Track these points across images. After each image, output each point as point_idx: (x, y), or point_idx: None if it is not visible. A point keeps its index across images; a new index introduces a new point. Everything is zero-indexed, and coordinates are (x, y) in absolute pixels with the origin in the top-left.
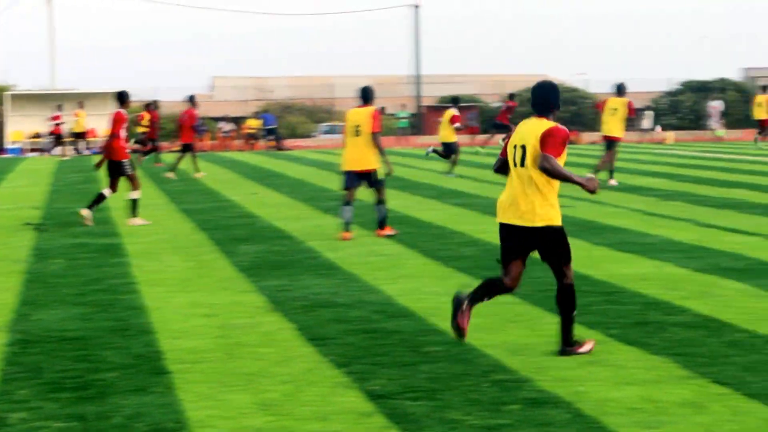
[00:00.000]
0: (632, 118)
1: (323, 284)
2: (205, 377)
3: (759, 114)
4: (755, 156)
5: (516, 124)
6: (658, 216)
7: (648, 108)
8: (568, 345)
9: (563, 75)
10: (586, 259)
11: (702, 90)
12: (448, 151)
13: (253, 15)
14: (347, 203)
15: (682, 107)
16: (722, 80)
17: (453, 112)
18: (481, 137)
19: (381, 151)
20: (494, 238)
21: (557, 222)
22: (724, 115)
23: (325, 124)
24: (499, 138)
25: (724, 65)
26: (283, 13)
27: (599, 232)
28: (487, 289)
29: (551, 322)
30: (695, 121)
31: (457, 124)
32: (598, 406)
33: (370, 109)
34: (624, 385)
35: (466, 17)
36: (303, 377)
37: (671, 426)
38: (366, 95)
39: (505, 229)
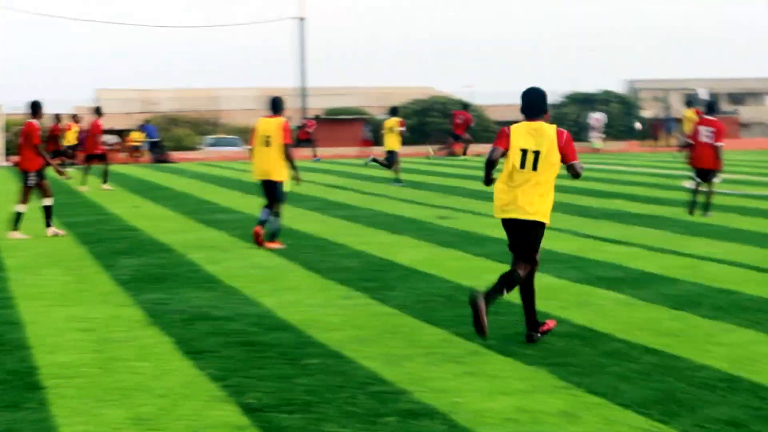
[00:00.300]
0: None
1: (203, 297)
2: (79, 392)
3: (687, 128)
4: (635, 167)
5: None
6: None
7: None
8: (536, 329)
9: (450, 87)
10: (467, 270)
11: (586, 102)
12: (391, 159)
13: (138, 27)
14: (268, 206)
15: (567, 119)
16: (606, 92)
17: (396, 120)
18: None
19: (292, 162)
20: (376, 250)
21: (546, 221)
22: (607, 126)
23: (211, 136)
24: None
25: (608, 77)
26: (168, 25)
27: (480, 242)
28: (506, 283)
29: (429, 333)
30: (578, 133)
31: (402, 128)
32: (474, 416)
33: (280, 120)
34: (500, 396)
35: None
36: (179, 391)
37: None
38: (275, 106)
39: (513, 225)
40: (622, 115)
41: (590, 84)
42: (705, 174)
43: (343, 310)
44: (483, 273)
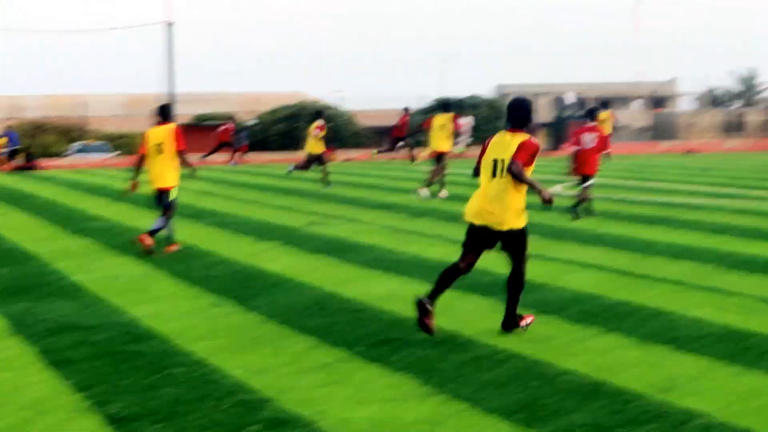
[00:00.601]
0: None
1: (68, 307)
2: None
3: (607, 129)
4: None
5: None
6: (408, 232)
7: None
8: (514, 323)
9: (319, 92)
10: (336, 277)
11: (455, 107)
12: (311, 162)
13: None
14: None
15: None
16: (473, 97)
17: (318, 123)
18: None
19: (189, 166)
20: (244, 258)
21: (521, 225)
22: (476, 131)
23: (78, 143)
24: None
25: (477, 83)
26: (34, 30)
27: (350, 249)
28: (446, 279)
29: (296, 342)
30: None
31: (320, 132)
32: (339, 425)
33: (170, 127)
34: (365, 404)
35: (221, 35)
36: (41, 403)
37: None
38: (165, 113)
39: (477, 230)
40: (492, 120)
41: (459, 89)
42: (587, 179)
43: (211, 319)
44: (352, 280)
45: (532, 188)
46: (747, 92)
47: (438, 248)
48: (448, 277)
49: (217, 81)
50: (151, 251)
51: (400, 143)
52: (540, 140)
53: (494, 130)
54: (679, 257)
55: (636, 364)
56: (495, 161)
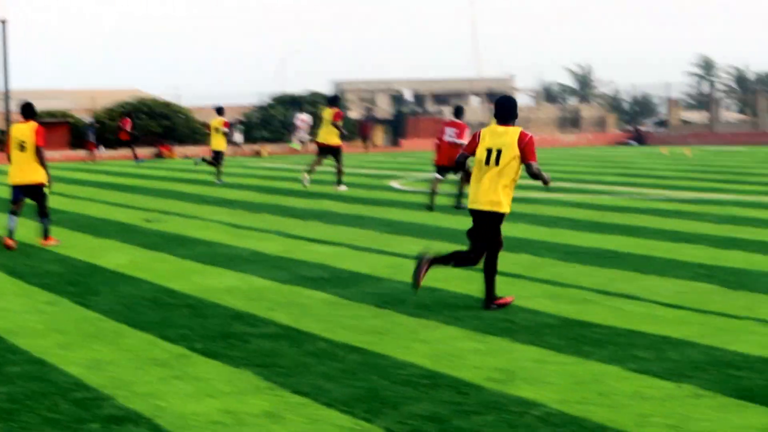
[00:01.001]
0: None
1: None
2: None
3: None
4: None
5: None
6: (246, 228)
7: (240, 122)
8: (492, 301)
9: (155, 90)
10: (173, 273)
11: (293, 104)
12: (217, 158)
13: None
14: (14, 213)
15: (274, 120)
16: (313, 94)
17: (222, 119)
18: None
19: (44, 165)
20: (80, 254)
21: (503, 211)
22: (313, 128)
23: None
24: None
25: (315, 79)
26: None
27: (187, 244)
28: (454, 259)
29: (134, 337)
30: (286, 134)
31: (225, 129)
32: (179, 420)
33: (33, 125)
34: (205, 398)
35: (55, 31)
36: None
37: None
38: (28, 111)
39: (477, 214)
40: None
41: (297, 85)
42: (446, 170)
43: (47, 316)
44: (190, 275)
45: (540, 177)
46: (582, 88)
47: (275, 243)
48: (457, 258)
49: (52, 77)
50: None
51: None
52: (379, 136)
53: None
54: (514, 249)
55: (474, 355)
56: (489, 150)
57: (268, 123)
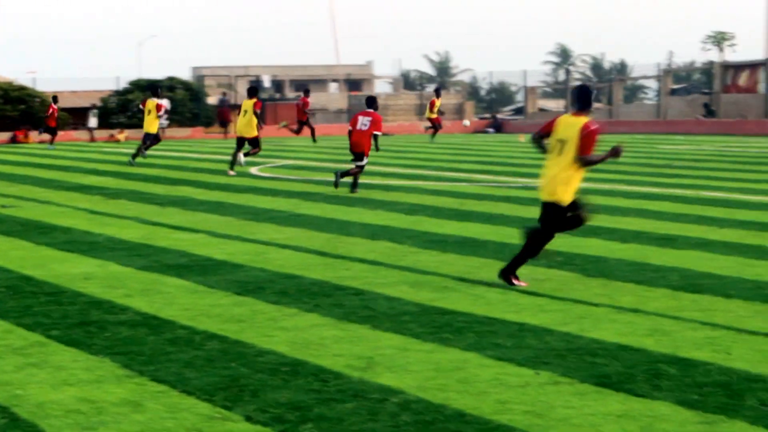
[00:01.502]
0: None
1: None
2: None
3: (430, 114)
4: (202, 154)
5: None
6: (105, 214)
7: (95, 107)
8: (510, 274)
9: (11, 73)
10: (31, 260)
11: (151, 89)
12: (149, 139)
13: None
14: None
15: (132, 106)
16: (171, 79)
17: (156, 102)
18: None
19: None
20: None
21: (566, 201)
22: (173, 113)
23: None
24: None
25: (174, 64)
26: None
27: (45, 231)
28: (534, 245)
29: None
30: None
31: (161, 113)
32: (37, 409)
33: None
34: (63, 387)
35: None
36: None
37: (109, 426)
38: None
39: (543, 204)
40: (187, 102)
41: (156, 71)
42: (359, 157)
43: None
44: (48, 262)
45: (603, 161)
46: (441, 75)
47: (134, 230)
48: (534, 244)
49: None
50: None
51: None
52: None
53: (191, 112)
54: (375, 237)
55: (335, 343)
56: (560, 141)
57: (126, 108)
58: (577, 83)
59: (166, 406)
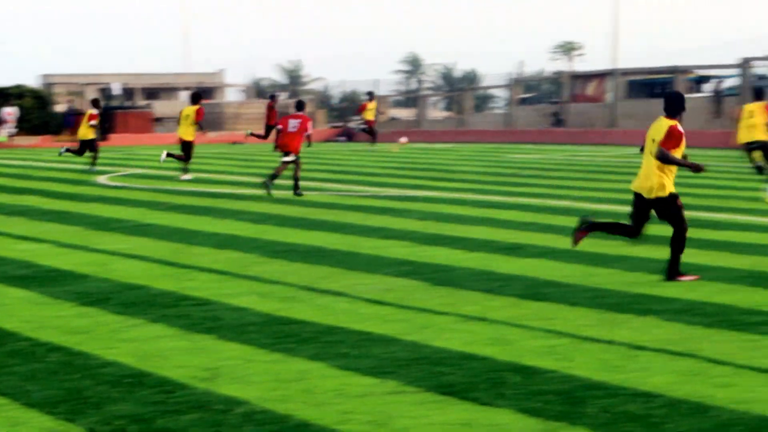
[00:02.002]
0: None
1: None
2: None
3: (368, 116)
4: (49, 162)
5: None
6: None
7: None
8: (675, 274)
9: None
10: None
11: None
12: (85, 148)
13: None
14: None
15: None
16: (19, 87)
17: (91, 111)
18: None
19: None
20: None
21: (666, 193)
22: (21, 121)
23: None
24: None
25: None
26: None
27: None
28: (615, 228)
29: None
30: None
31: (93, 122)
32: None
33: None
34: None
35: None
36: None
37: None
38: None
39: (636, 197)
40: (36, 110)
41: (4, 79)
42: (288, 155)
43: None
44: None
45: (681, 165)
46: (293, 84)
47: None
48: (616, 228)
49: None
50: None
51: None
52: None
53: (39, 119)
54: (221, 247)
55: (180, 354)
56: (652, 141)
57: None
58: (427, 92)
59: (7, 420)
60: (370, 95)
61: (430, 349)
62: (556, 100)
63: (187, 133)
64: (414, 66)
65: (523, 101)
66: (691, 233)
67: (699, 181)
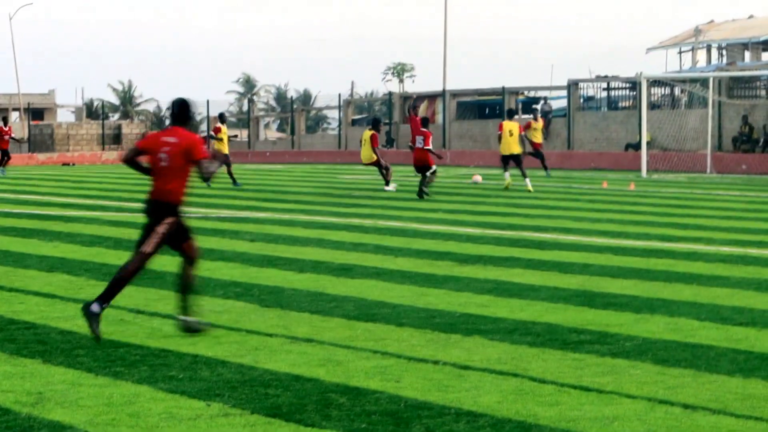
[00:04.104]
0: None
1: None
2: None
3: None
4: None
5: None
6: None
7: None
8: None
9: None
10: None
11: None
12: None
13: None
14: None
15: None
16: None
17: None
18: None
19: None
20: None
21: None
22: None
23: None
24: None
25: None
26: None
27: None
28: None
29: None
30: None
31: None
32: None
33: None
34: None
35: None
36: None
37: None
38: None
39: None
40: None
41: None
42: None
43: None
44: None
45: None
46: (125, 104)
47: None
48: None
49: None
50: None
51: None
52: None
53: None
54: (52, 270)
55: (5, 379)
56: None
57: None
58: (260, 113)
59: None
60: (222, 117)
61: (259, 371)
62: (388, 122)
63: None
64: (247, 87)
65: (355, 122)
66: (520, 253)
67: (527, 201)
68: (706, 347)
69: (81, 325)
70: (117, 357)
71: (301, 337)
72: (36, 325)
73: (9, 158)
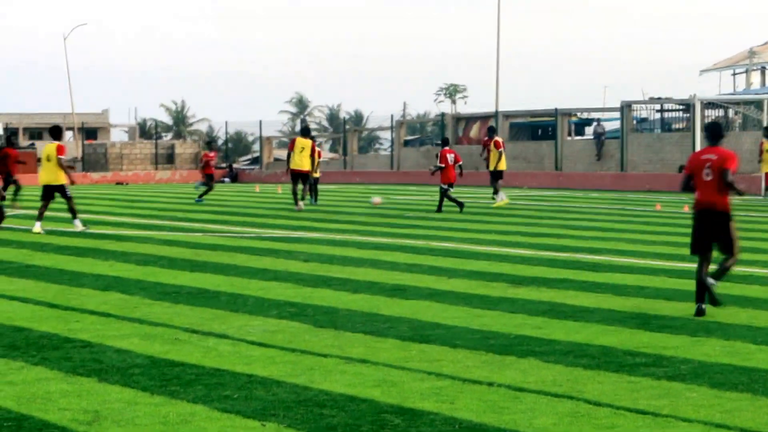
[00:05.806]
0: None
1: None
2: None
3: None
4: None
5: None
6: None
7: None
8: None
9: None
10: None
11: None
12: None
13: None
14: None
15: None
16: None
17: None
18: None
19: None
20: None
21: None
22: None
23: None
24: None
25: None
26: None
27: None
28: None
29: None
30: None
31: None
32: None
33: None
34: None
35: None
36: None
37: None
38: None
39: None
40: None
41: None
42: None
43: None
44: None
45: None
46: (177, 124)
47: None
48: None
49: None
50: None
51: None
52: None
53: None
54: (107, 289)
55: (62, 397)
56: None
57: None
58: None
59: None
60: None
61: (314, 391)
62: (440, 143)
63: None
64: (299, 107)
65: (407, 143)
66: (574, 275)
67: (581, 224)
68: (763, 371)
69: (136, 344)
70: (172, 376)
71: (356, 357)
72: (92, 343)
73: (211, 187)
